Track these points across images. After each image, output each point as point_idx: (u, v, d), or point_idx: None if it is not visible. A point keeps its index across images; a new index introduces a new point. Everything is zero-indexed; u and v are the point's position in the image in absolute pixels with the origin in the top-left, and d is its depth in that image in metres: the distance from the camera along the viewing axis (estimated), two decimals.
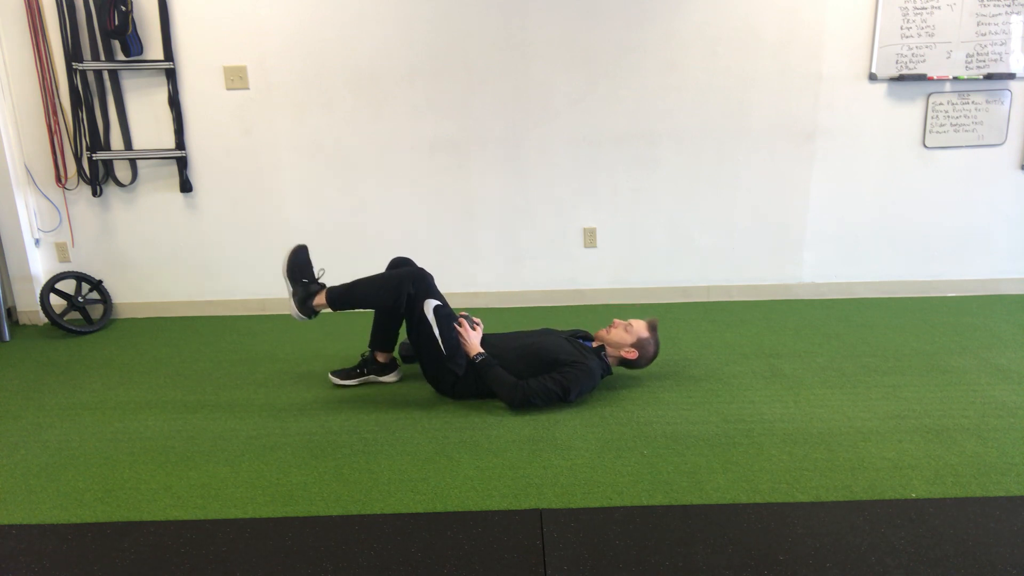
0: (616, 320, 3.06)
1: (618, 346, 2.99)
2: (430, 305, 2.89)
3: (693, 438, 2.59)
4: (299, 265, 2.98)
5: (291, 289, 2.97)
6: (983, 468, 2.36)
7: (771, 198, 4.14)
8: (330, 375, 3.15)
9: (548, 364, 2.87)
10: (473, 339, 2.94)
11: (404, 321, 2.99)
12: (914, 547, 1.96)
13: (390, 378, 3.17)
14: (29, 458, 2.55)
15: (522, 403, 2.79)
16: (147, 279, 4.15)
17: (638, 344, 2.99)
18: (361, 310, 3.08)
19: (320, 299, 2.95)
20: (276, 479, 2.38)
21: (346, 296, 2.93)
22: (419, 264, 3.20)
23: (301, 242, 3.06)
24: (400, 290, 2.88)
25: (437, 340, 2.87)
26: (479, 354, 2.88)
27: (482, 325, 3.07)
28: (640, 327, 3.02)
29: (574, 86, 3.95)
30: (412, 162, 4.02)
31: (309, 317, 2.97)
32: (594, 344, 3.03)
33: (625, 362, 3.02)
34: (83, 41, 3.76)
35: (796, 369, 3.21)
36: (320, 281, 3.03)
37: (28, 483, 2.39)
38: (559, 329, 3.20)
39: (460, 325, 2.96)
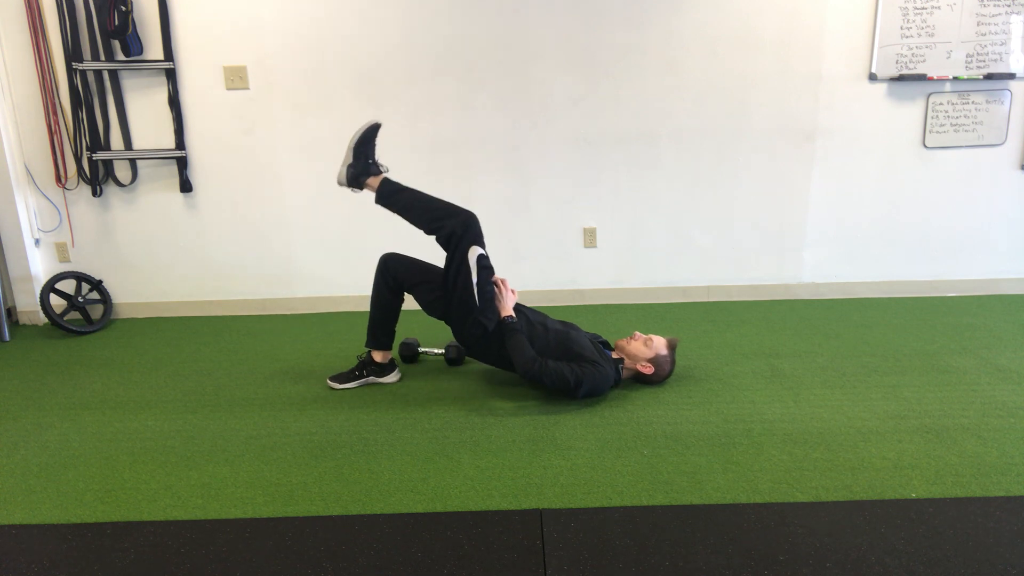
0: (637, 332, 3.06)
1: (635, 359, 2.99)
2: (475, 253, 2.86)
3: (693, 438, 2.59)
4: (368, 141, 2.91)
5: (351, 160, 2.88)
6: (983, 468, 2.35)
7: (771, 198, 4.14)
8: (328, 380, 3.11)
9: (571, 355, 2.88)
10: (509, 300, 2.95)
11: (445, 260, 2.91)
12: (914, 547, 1.96)
13: (390, 379, 3.15)
14: (29, 458, 2.55)
15: (535, 376, 2.79)
16: (147, 279, 4.15)
17: (655, 360, 2.99)
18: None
19: (374, 181, 2.92)
20: (276, 479, 2.38)
21: (397, 195, 2.90)
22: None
23: (377, 120, 2.97)
24: (444, 223, 2.84)
25: (473, 289, 2.85)
26: (510, 317, 2.90)
27: (516, 294, 3.05)
28: (660, 344, 3.02)
29: (574, 86, 3.94)
30: (412, 162, 4.02)
31: (352, 188, 2.91)
32: (614, 355, 3.03)
33: (640, 376, 3.02)
34: (83, 41, 3.76)
35: (796, 369, 3.21)
36: (381, 168, 2.95)
37: (28, 483, 2.39)
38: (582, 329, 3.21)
39: (501, 284, 2.97)
